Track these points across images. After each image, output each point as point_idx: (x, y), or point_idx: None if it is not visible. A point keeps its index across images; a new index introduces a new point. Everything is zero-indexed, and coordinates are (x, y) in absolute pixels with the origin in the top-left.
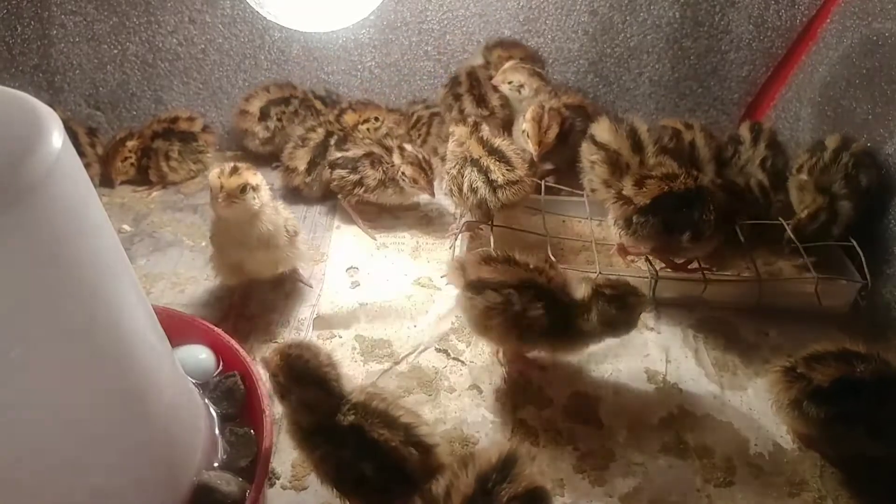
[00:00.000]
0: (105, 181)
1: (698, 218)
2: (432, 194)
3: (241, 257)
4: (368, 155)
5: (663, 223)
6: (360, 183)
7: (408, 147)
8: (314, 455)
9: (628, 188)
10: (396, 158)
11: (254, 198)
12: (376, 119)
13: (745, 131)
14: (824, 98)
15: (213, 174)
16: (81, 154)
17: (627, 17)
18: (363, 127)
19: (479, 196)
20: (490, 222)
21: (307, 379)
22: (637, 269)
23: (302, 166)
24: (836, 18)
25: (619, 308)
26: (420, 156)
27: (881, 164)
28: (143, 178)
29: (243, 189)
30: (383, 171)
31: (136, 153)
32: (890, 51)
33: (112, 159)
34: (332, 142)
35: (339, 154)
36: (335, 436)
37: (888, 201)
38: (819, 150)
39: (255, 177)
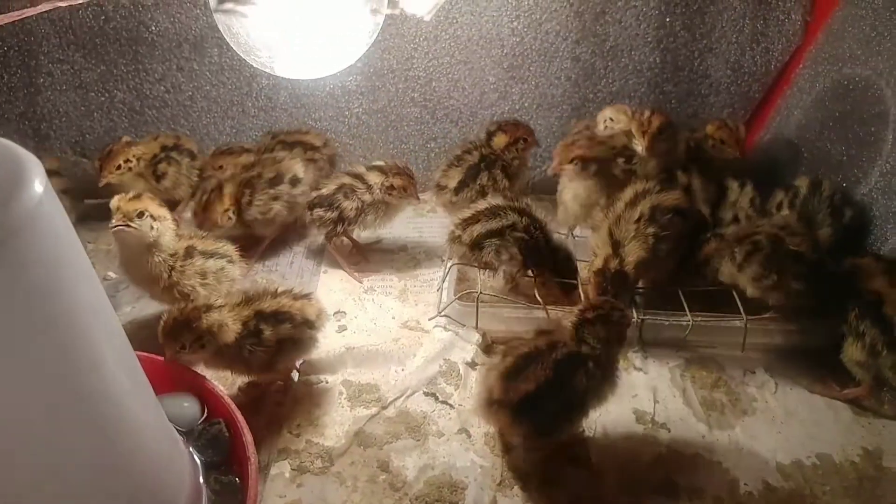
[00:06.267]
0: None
1: None
2: (418, 199)
3: (141, 286)
4: (340, 188)
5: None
6: (340, 219)
7: (381, 163)
8: None
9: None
10: (373, 178)
11: (151, 227)
12: (525, 140)
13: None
14: (801, 140)
15: (115, 198)
16: None
17: (609, 63)
18: (514, 148)
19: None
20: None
21: None
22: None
23: (452, 184)
24: (809, 64)
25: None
26: (401, 165)
27: (856, 204)
28: None
29: (140, 214)
30: (358, 199)
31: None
32: (860, 95)
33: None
34: (483, 165)
35: (315, 194)
36: None
37: (863, 240)
38: (794, 189)
39: (157, 207)
